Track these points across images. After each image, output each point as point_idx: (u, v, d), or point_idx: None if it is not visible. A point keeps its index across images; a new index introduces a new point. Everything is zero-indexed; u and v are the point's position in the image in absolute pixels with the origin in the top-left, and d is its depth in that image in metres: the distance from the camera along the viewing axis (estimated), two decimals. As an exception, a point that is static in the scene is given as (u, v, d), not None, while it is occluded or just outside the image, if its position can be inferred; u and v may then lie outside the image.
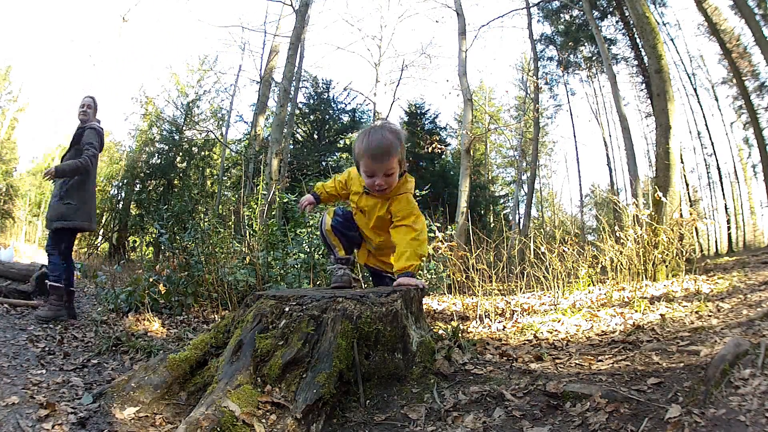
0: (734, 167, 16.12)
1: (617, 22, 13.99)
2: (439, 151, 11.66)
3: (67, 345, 2.42)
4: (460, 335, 1.86)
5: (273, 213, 5.22)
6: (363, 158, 1.80)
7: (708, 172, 16.34)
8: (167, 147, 16.84)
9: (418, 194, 4.21)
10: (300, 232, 4.13)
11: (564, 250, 3.57)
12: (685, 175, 12.80)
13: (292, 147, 13.17)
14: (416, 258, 1.82)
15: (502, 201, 21.06)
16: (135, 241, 14.29)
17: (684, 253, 3.65)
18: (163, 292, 3.55)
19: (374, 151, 1.77)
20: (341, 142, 15.33)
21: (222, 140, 15.23)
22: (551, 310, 2.72)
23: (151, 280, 3.63)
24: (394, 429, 1.24)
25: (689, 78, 15.78)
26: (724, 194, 15.65)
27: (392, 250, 1.91)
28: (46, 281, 3.36)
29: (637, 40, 12.77)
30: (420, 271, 3.84)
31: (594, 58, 15.97)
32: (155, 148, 17.14)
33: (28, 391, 1.52)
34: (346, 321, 1.43)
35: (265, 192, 4.93)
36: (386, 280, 2.05)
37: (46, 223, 3.38)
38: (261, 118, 14.17)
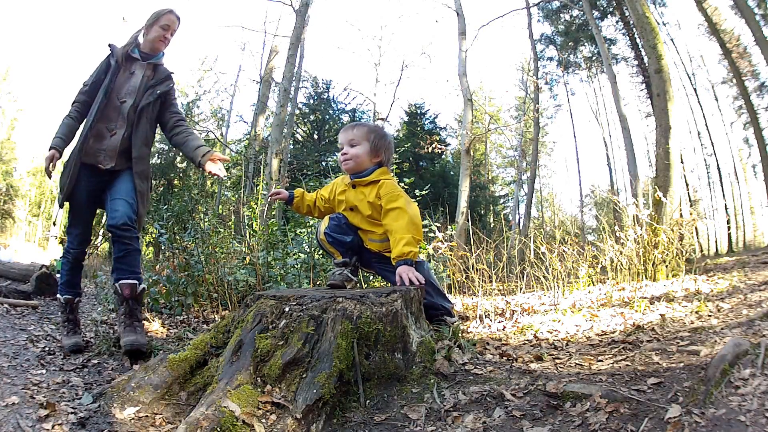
0: (734, 167, 16.13)
1: (617, 22, 14.00)
2: (439, 151, 11.66)
3: (67, 345, 2.41)
4: (460, 335, 1.86)
5: (273, 213, 5.22)
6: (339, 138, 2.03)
7: (708, 172, 16.37)
8: (167, 147, 16.84)
9: (418, 194, 4.22)
10: (300, 232, 4.13)
11: (564, 250, 3.57)
12: (685, 175, 12.81)
13: (292, 147, 13.18)
14: (415, 244, 1.78)
15: (502, 201, 21.08)
16: (135, 241, 14.26)
17: (684, 253, 3.64)
18: (163, 292, 3.55)
19: (344, 127, 2.03)
20: (341, 142, 15.31)
21: (222, 140, 15.23)
22: (551, 310, 2.71)
23: (151, 280, 3.63)
24: (394, 429, 1.24)
25: (689, 78, 15.80)
26: (724, 194, 15.67)
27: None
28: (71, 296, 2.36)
29: (637, 40, 12.78)
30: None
31: (594, 58, 15.98)
32: (155, 148, 17.14)
33: (28, 391, 1.52)
34: (346, 321, 1.43)
35: (265, 192, 4.93)
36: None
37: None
38: (261, 118, 14.17)
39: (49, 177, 2.23)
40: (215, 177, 2.26)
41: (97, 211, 2.45)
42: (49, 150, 2.18)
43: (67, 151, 2.25)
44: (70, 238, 2.28)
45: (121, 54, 2.28)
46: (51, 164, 2.17)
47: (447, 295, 2.30)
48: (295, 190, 2.19)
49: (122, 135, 2.22)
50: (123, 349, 2.01)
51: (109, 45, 2.33)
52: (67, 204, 2.26)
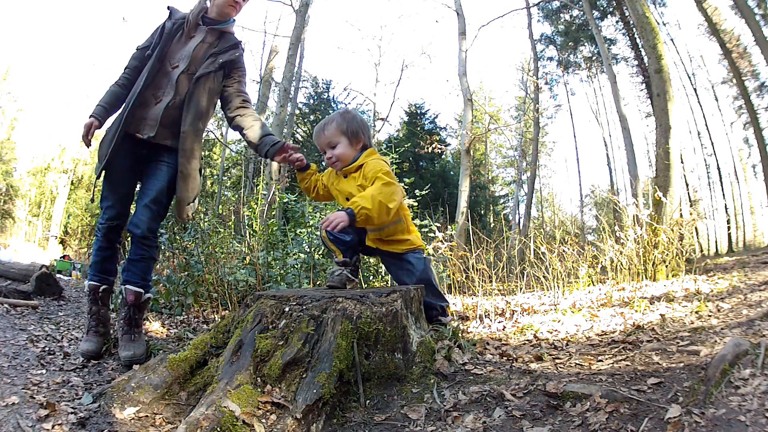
0: (734, 167, 16.16)
1: (617, 22, 14.02)
2: (439, 151, 11.67)
3: (67, 345, 2.42)
4: (460, 335, 1.86)
5: (273, 213, 5.22)
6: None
7: (708, 172, 16.40)
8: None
9: (418, 194, 4.22)
10: (300, 232, 4.13)
11: (564, 250, 3.57)
12: (685, 175, 12.82)
13: (292, 147, 13.15)
14: (371, 202, 1.69)
15: (502, 201, 21.11)
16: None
17: (684, 253, 3.64)
18: (163, 292, 3.55)
19: (315, 131, 1.99)
20: (341, 142, 15.31)
21: (222, 140, 15.21)
22: (551, 310, 2.71)
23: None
24: (394, 429, 1.25)
25: (689, 78, 15.82)
26: (724, 194, 15.69)
27: (399, 231, 1.97)
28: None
29: (637, 40, 12.78)
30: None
31: (594, 58, 16.01)
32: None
33: (28, 391, 1.52)
34: (346, 321, 1.43)
35: (265, 192, 4.93)
36: (403, 260, 2.01)
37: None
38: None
39: (87, 146, 2.04)
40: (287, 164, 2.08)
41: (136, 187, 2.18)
42: (89, 118, 2.00)
43: (110, 121, 2.08)
44: (102, 212, 2.08)
45: (192, 20, 2.06)
46: (89, 133, 1.98)
47: (445, 294, 2.30)
48: (311, 163, 2.17)
49: (167, 102, 1.97)
50: (121, 361, 1.96)
51: (168, 7, 2.14)
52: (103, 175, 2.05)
